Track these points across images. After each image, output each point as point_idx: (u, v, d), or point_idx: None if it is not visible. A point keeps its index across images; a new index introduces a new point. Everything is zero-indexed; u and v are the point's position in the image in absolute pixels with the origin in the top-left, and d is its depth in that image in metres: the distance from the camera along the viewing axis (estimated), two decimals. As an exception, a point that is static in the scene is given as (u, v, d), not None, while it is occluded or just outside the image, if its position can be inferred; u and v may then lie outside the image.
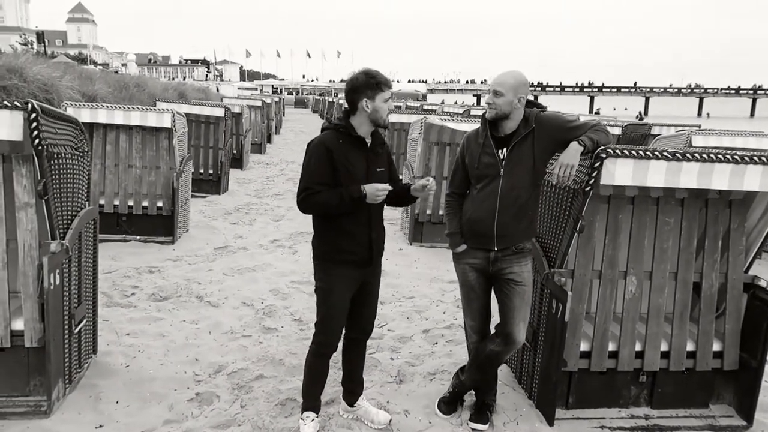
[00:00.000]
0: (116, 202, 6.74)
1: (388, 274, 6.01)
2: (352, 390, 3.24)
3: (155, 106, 9.73)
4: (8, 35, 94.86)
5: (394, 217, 8.65)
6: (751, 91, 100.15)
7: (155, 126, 6.65)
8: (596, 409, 3.42)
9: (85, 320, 3.54)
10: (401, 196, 3.03)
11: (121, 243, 6.64)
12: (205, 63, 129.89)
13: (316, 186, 2.81)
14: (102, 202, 6.70)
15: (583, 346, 3.31)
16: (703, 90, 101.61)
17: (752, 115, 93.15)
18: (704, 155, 2.92)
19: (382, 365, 3.93)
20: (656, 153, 2.90)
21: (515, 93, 2.95)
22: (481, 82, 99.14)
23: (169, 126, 6.61)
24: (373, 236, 2.93)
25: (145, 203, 6.78)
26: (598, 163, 2.88)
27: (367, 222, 2.91)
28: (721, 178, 2.93)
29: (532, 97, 3.13)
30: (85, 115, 6.47)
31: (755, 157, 2.93)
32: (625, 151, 2.87)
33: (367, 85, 2.80)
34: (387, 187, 2.82)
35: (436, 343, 4.35)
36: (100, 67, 63.78)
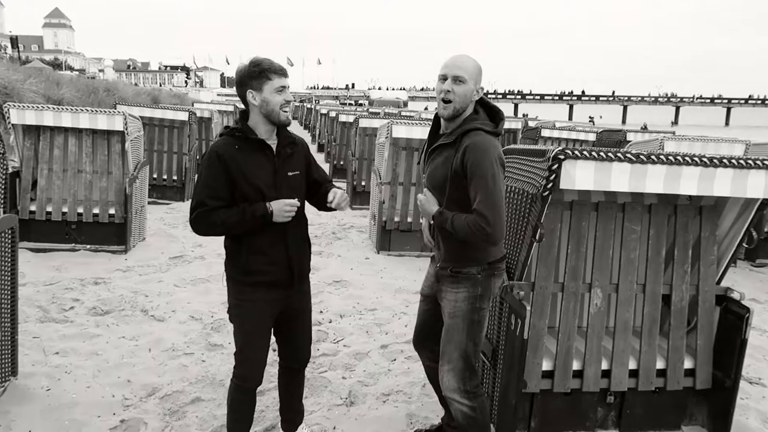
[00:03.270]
0: (65, 210, 6.34)
1: (351, 284, 5.72)
2: (291, 419, 2.93)
3: (116, 108, 9.34)
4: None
5: (363, 225, 8.38)
6: (726, 101, 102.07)
7: (106, 129, 6.29)
8: (561, 432, 3.16)
9: (-1, 339, 3.19)
10: (323, 202, 2.66)
11: (69, 252, 6.26)
12: (185, 69, 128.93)
13: (211, 201, 2.42)
14: (49, 209, 6.31)
15: (546, 365, 3.05)
16: (679, 99, 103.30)
17: (727, 123, 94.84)
18: (670, 158, 2.69)
19: (333, 385, 3.63)
20: (619, 155, 2.66)
21: (476, 82, 2.48)
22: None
23: (122, 129, 6.26)
24: (291, 254, 2.56)
25: (96, 210, 6.40)
26: (555, 165, 2.63)
27: (282, 239, 2.53)
28: (689, 182, 2.70)
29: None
30: (29, 117, 6.11)
31: (725, 161, 2.71)
32: (585, 153, 2.63)
33: (250, 74, 2.43)
34: (295, 203, 2.48)
35: (394, 360, 4.06)
36: (76, 72, 62.81)
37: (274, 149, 2.54)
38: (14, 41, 60.98)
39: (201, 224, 2.46)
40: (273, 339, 2.72)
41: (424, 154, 2.70)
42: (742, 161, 2.70)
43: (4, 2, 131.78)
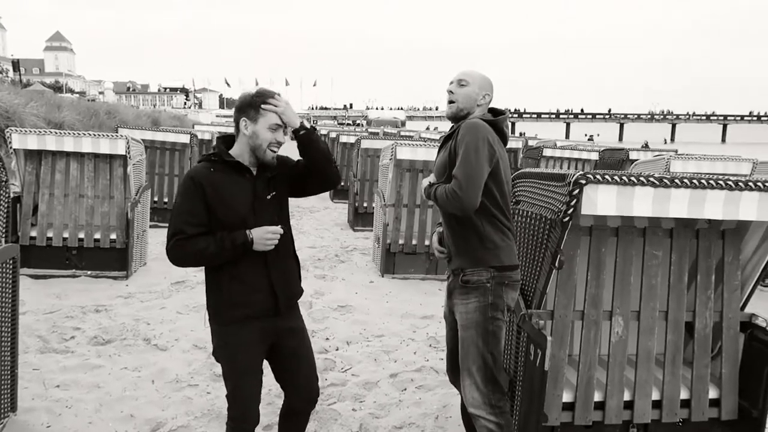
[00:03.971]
0: (65, 235, 6.25)
1: (357, 309, 5.61)
2: None
3: (117, 132, 9.30)
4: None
5: (366, 247, 8.28)
6: (722, 117, 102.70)
7: (108, 153, 6.23)
8: (582, 467, 3.03)
9: (-2, 374, 3.07)
10: (308, 155, 2.44)
11: (70, 279, 6.14)
12: (184, 91, 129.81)
13: (189, 228, 2.26)
14: (50, 234, 6.22)
15: (566, 397, 2.93)
16: (675, 116, 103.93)
17: (723, 140, 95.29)
18: (695, 181, 2.61)
19: (343, 418, 3.50)
20: (642, 179, 2.58)
21: (481, 87, 2.68)
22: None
23: (124, 153, 6.19)
24: (275, 282, 2.38)
25: (97, 235, 6.31)
26: (576, 190, 2.54)
27: (263, 264, 2.36)
28: (714, 206, 2.61)
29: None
30: (31, 141, 6.04)
31: (750, 183, 2.62)
32: (608, 177, 2.54)
33: (250, 103, 2.32)
34: (277, 230, 2.33)
35: (405, 390, 3.93)
36: (77, 95, 63.19)
37: (254, 171, 2.40)
38: (16, 64, 61.32)
39: (177, 253, 2.29)
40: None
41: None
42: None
43: (6, 26, 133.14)
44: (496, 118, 2.66)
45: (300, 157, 2.50)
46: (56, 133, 6.16)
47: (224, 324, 2.40)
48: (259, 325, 2.40)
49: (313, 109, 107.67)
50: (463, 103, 2.65)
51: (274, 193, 2.43)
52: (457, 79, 2.68)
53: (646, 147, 18.19)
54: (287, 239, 2.47)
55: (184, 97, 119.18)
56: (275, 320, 2.43)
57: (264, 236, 2.29)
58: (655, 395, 3.00)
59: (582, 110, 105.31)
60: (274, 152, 2.38)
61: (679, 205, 2.61)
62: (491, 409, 2.61)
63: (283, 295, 2.43)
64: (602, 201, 2.56)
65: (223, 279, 2.36)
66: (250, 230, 2.30)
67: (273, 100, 2.36)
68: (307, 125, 2.44)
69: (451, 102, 2.69)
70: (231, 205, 2.31)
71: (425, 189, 2.71)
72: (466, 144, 2.49)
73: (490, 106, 2.76)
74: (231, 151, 2.40)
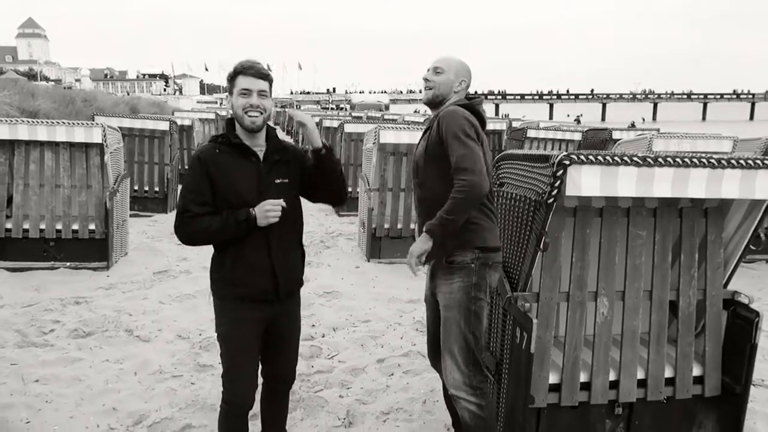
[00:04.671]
0: (42, 226, 6.11)
1: (343, 295, 5.57)
2: None
3: (93, 120, 9.09)
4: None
5: (351, 233, 8.23)
6: (702, 96, 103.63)
7: (84, 142, 6.07)
8: (569, 447, 3.04)
9: (-27, 371, 2.99)
10: (322, 174, 2.47)
11: (49, 271, 6.02)
12: (164, 77, 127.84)
13: (195, 207, 2.31)
14: (26, 226, 6.08)
15: (552, 378, 2.93)
16: (656, 96, 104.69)
17: (704, 118, 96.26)
18: (678, 159, 2.59)
19: (330, 405, 3.48)
20: (625, 158, 2.55)
21: (457, 74, 2.69)
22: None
23: (100, 141, 6.05)
24: (276, 264, 2.40)
25: (75, 226, 6.18)
26: (560, 171, 2.51)
27: (265, 246, 2.38)
28: (697, 185, 2.59)
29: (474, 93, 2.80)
30: (2, 131, 5.88)
31: (733, 161, 2.61)
32: (591, 157, 2.51)
33: (228, 78, 2.37)
34: (278, 202, 2.32)
35: (392, 375, 3.92)
36: (52, 83, 61.85)
37: (261, 155, 2.40)
38: (-13, 52, 59.78)
39: (184, 231, 2.34)
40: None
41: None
42: (750, 161, 2.61)
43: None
44: (471, 101, 2.68)
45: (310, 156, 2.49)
46: (29, 122, 5.99)
47: (226, 302, 2.43)
48: (258, 306, 2.43)
49: (293, 93, 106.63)
50: (440, 89, 2.67)
51: (285, 180, 2.43)
52: (433, 66, 2.70)
53: (632, 127, 18.24)
54: (295, 228, 2.50)
55: (164, 84, 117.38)
56: (273, 305, 2.46)
57: (264, 208, 2.30)
58: (640, 374, 3.01)
59: (568, 91, 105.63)
60: (252, 117, 2.33)
61: (663, 184, 2.59)
62: (472, 390, 2.62)
63: (284, 281, 2.45)
64: (586, 182, 2.54)
65: (227, 258, 2.40)
66: (252, 208, 2.31)
67: (299, 113, 2.44)
68: (327, 144, 2.46)
69: (428, 89, 2.71)
70: (236, 187, 2.33)
71: (428, 231, 2.51)
72: (452, 131, 2.48)
73: (468, 92, 2.76)
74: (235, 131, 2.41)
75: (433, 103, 2.71)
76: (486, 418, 2.64)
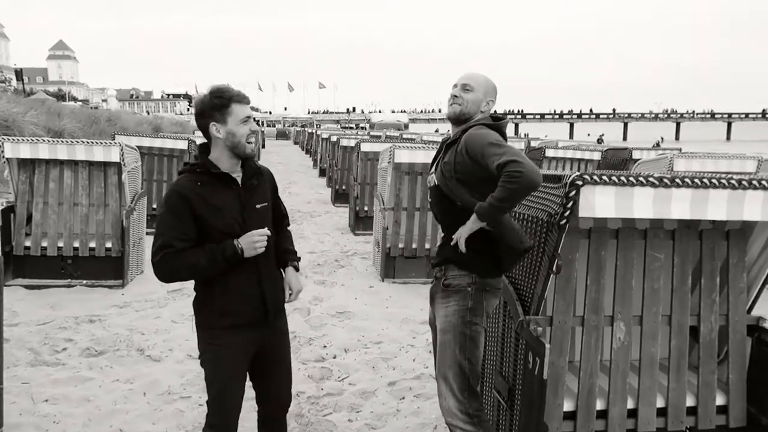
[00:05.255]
0: (60, 244, 6.18)
1: (356, 315, 5.51)
2: None
3: (114, 139, 9.24)
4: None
5: (366, 252, 8.18)
6: (726, 115, 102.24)
7: (102, 161, 6.15)
8: (585, 478, 2.91)
9: (-19, 390, 2.99)
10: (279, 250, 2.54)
11: (66, 289, 6.06)
12: (188, 97, 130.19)
13: (178, 243, 2.22)
14: (44, 244, 6.15)
15: (567, 406, 2.82)
16: (679, 115, 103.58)
17: (728, 138, 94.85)
18: (696, 180, 2.50)
19: (339, 429, 3.41)
20: (641, 179, 2.47)
21: (485, 93, 2.64)
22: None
23: (118, 160, 6.12)
24: (266, 291, 2.39)
25: (92, 244, 6.23)
26: (573, 192, 2.44)
27: (255, 275, 2.36)
28: (717, 206, 2.50)
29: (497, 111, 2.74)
30: (24, 150, 5.98)
31: (755, 182, 2.52)
32: (605, 177, 2.44)
33: (213, 106, 2.27)
34: (265, 231, 2.31)
35: (403, 399, 3.83)
36: (80, 103, 63.44)
37: (240, 181, 2.37)
38: (19, 74, 61.83)
39: (166, 268, 2.24)
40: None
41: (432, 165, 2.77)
42: (772, 182, 2.51)
43: (9, 36, 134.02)
44: (498, 122, 2.63)
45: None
46: (49, 141, 6.09)
47: (213, 331, 2.38)
48: (246, 332, 2.39)
49: (315, 113, 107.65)
50: (467, 107, 2.61)
51: (264, 204, 2.43)
52: (461, 83, 2.63)
53: (657, 146, 17.97)
54: (272, 251, 2.46)
55: (187, 103, 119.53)
56: (262, 329, 2.44)
57: (252, 240, 2.28)
58: (660, 403, 2.89)
59: (591, 110, 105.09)
60: (251, 143, 2.34)
61: (681, 205, 2.50)
62: (468, 418, 2.53)
63: (273, 304, 2.44)
64: (600, 202, 2.46)
65: (215, 290, 2.35)
66: (237, 240, 2.28)
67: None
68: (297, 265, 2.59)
69: (455, 104, 2.63)
70: (219, 218, 2.29)
71: (479, 214, 2.44)
72: (484, 144, 2.43)
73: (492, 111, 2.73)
74: (210, 157, 2.34)
75: (458, 119, 2.64)
76: None
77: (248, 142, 2.31)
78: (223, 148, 2.31)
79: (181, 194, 2.26)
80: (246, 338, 2.39)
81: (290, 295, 2.52)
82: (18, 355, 4.33)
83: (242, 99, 2.29)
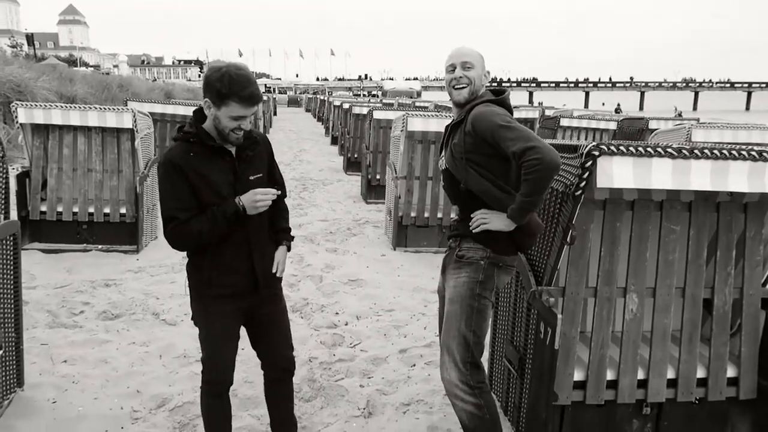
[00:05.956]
0: (75, 209, 6.24)
1: (368, 283, 5.55)
2: None
3: (126, 105, 9.22)
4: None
5: (378, 220, 8.19)
6: (746, 85, 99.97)
7: (115, 127, 6.16)
8: (593, 446, 2.95)
9: (2, 350, 3.06)
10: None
11: (81, 253, 6.15)
12: (198, 63, 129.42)
13: (181, 214, 2.25)
14: (60, 209, 6.21)
15: (577, 375, 2.84)
16: (697, 84, 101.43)
17: (747, 108, 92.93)
18: (716, 151, 2.46)
19: (350, 394, 3.46)
20: (659, 149, 2.43)
21: (483, 67, 2.59)
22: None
23: (131, 126, 6.12)
24: (256, 262, 2.41)
25: (107, 210, 6.29)
26: (589, 162, 2.41)
27: (246, 247, 2.38)
28: (738, 178, 2.46)
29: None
30: (38, 116, 6.00)
31: (776, 153, 2.47)
32: (622, 148, 2.40)
33: (216, 88, 2.16)
34: (270, 190, 2.30)
35: (414, 366, 3.88)
36: (91, 68, 63.26)
37: (234, 153, 2.35)
38: (30, 39, 61.46)
39: (177, 239, 2.29)
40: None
41: (441, 148, 2.71)
42: (794, 154, 2.46)
43: (20, 0, 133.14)
44: (501, 96, 2.57)
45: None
46: (62, 107, 6.09)
47: (202, 296, 2.44)
48: (237, 301, 2.44)
49: (327, 80, 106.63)
50: (475, 84, 2.54)
51: (259, 175, 2.42)
52: (460, 61, 2.53)
53: (680, 116, 17.61)
54: (266, 223, 2.48)
55: (199, 70, 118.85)
56: (253, 297, 2.47)
57: (254, 199, 2.27)
58: (671, 374, 2.90)
59: (611, 78, 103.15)
60: (238, 134, 2.28)
61: (700, 177, 2.47)
62: (470, 389, 2.51)
63: (263, 277, 2.46)
64: (618, 173, 2.43)
65: (205, 260, 2.38)
66: (239, 197, 2.28)
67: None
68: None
69: (463, 87, 2.53)
70: (212, 188, 2.29)
71: (511, 216, 2.41)
72: (494, 125, 2.36)
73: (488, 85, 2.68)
74: (204, 125, 2.32)
75: (470, 100, 2.54)
76: (485, 418, 2.52)
77: (233, 133, 2.26)
78: (211, 123, 2.29)
79: (173, 163, 2.25)
80: (236, 305, 2.43)
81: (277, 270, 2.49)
82: (37, 317, 4.42)
83: (245, 100, 2.18)
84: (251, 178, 2.36)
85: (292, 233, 2.66)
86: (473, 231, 2.51)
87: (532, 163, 2.25)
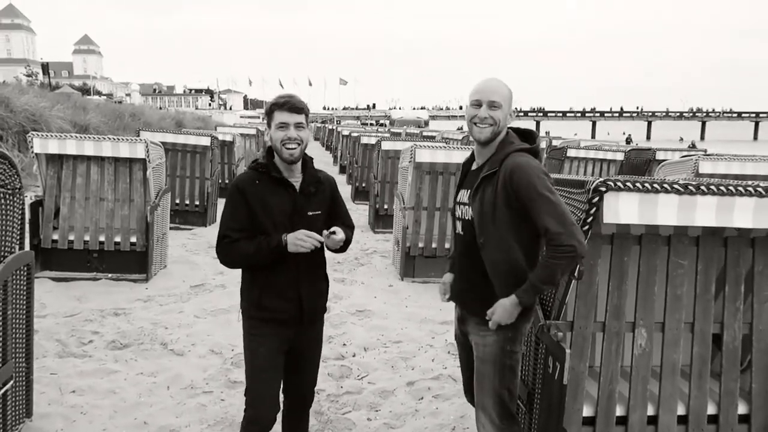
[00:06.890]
0: (86, 238, 6.31)
1: (375, 314, 5.54)
2: None
3: (139, 135, 9.38)
4: (15, 67, 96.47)
5: (386, 250, 8.21)
6: (753, 114, 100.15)
7: (128, 157, 6.27)
8: (603, 483, 2.91)
9: (13, 380, 3.08)
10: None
11: (91, 282, 6.19)
12: (209, 92, 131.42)
13: (233, 234, 2.46)
14: (71, 237, 6.29)
15: (586, 411, 2.82)
16: (705, 114, 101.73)
17: (755, 137, 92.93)
18: (722, 187, 2.48)
19: (357, 428, 3.44)
20: (665, 185, 2.46)
21: (510, 104, 2.43)
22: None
23: (143, 156, 6.23)
24: (303, 293, 2.53)
25: (117, 238, 6.36)
26: (596, 198, 2.44)
27: (295, 276, 2.51)
28: (743, 214, 2.48)
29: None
30: (53, 146, 6.11)
31: (782, 190, 2.49)
32: (629, 184, 2.43)
33: (266, 111, 2.50)
34: (315, 236, 2.39)
35: (421, 399, 3.85)
36: (104, 97, 64.41)
37: (297, 187, 2.50)
38: (45, 67, 62.80)
39: (225, 257, 2.50)
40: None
41: (459, 191, 2.64)
42: (800, 191, 2.48)
43: (36, 30, 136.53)
44: (534, 146, 2.45)
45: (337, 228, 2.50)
46: (77, 137, 6.21)
47: (253, 320, 2.56)
48: (283, 329, 2.54)
49: (326, 109, 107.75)
50: (499, 125, 2.39)
51: (317, 212, 2.55)
52: (488, 100, 2.36)
53: (693, 147, 17.63)
54: (321, 259, 2.59)
55: (209, 98, 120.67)
56: (298, 328, 2.57)
57: (297, 237, 2.38)
58: (681, 410, 2.88)
59: (621, 108, 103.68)
60: (290, 149, 2.42)
61: (706, 213, 2.49)
62: None
63: (309, 308, 2.56)
64: (624, 209, 2.46)
65: (256, 283, 2.52)
66: (286, 234, 2.41)
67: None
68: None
69: (485, 125, 2.38)
70: (270, 216, 2.45)
71: (519, 302, 2.36)
72: (534, 189, 2.26)
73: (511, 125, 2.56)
74: (275, 160, 2.52)
75: (490, 141, 2.42)
76: None
77: (285, 147, 2.41)
78: (273, 149, 2.48)
79: (238, 188, 2.48)
80: (282, 332, 2.52)
81: (332, 234, 2.45)
82: (46, 346, 4.45)
83: (282, 106, 2.41)
84: (309, 213, 2.50)
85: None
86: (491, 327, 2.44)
87: (565, 250, 2.22)
